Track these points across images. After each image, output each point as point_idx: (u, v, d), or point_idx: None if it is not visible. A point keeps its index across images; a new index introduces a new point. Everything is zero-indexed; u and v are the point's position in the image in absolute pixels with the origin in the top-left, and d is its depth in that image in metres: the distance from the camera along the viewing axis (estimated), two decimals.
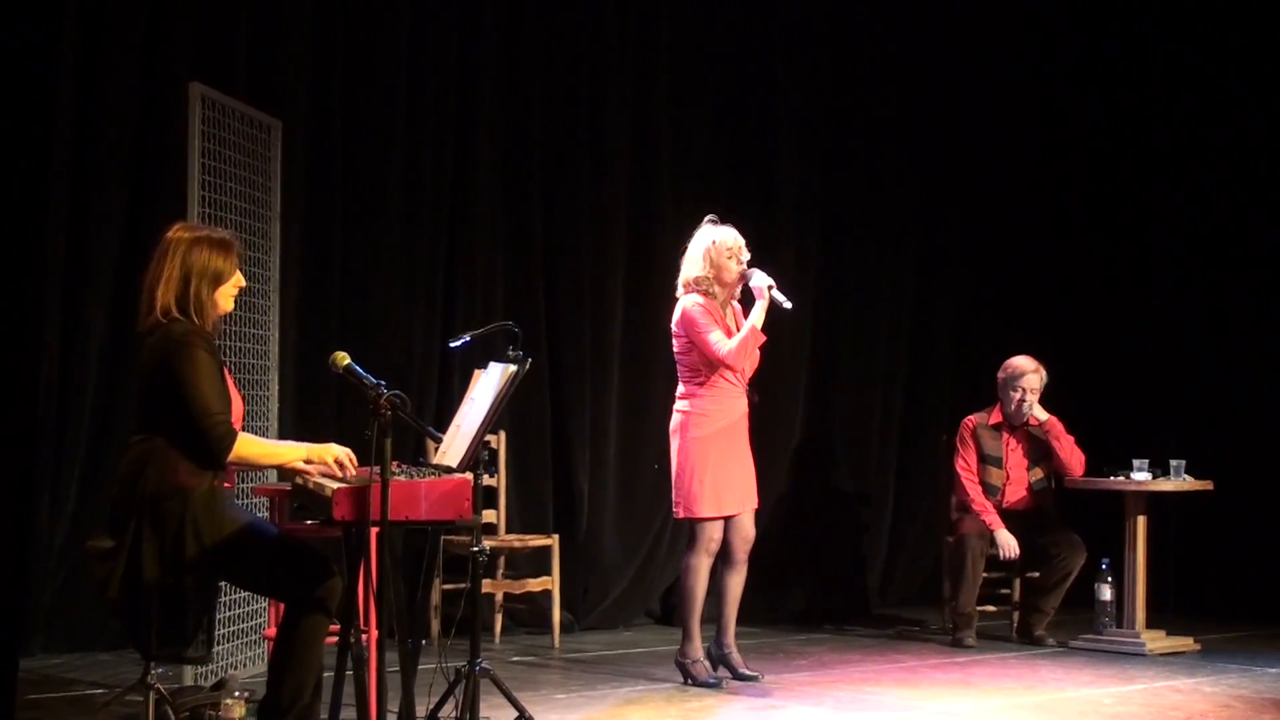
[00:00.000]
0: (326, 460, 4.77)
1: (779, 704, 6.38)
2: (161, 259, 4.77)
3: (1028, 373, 8.16)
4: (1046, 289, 10.23)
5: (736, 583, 6.90)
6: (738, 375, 6.78)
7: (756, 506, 6.92)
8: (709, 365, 6.71)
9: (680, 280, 6.84)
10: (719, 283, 6.75)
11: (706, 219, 6.85)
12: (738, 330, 6.75)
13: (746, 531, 6.85)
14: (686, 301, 6.76)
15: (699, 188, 9.00)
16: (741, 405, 6.83)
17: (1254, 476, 9.01)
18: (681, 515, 6.83)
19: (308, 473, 4.81)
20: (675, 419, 6.81)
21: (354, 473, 4.73)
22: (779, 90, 9.45)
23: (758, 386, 7.10)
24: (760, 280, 6.67)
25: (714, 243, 6.74)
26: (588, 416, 8.65)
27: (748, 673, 6.86)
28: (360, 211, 8.06)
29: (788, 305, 6.67)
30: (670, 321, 6.83)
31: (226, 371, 4.84)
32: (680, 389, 6.83)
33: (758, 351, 6.79)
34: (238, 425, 4.77)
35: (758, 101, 9.41)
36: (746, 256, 6.76)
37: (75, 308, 7.28)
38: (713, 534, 6.74)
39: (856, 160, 9.74)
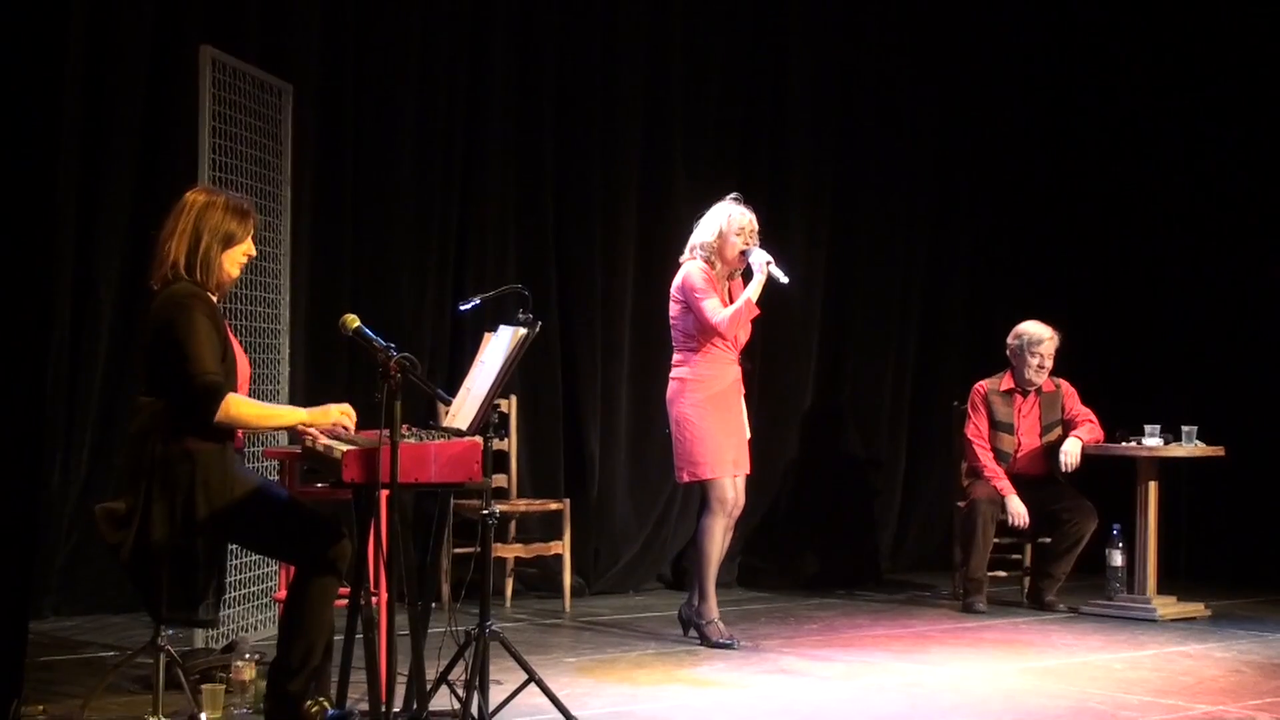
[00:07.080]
0: (327, 422, 4.75)
1: (789, 668, 6.39)
2: (177, 216, 4.74)
3: (1045, 339, 8.16)
4: (1059, 257, 10.19)
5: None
6: (730, 343, 6.85)
7: (748, 472, 6.98)
8: (703, 331, 6.80)
9: (688, 244, 6.91)
10: (721, 255, 6.84)
11: (730, 196, 6.92)
12: (733, 303, 6.82)
13: (736, 496, 6.88)
14: (689, 266, 6.87)
15: (711, 153, 9.01)
16: (734, 371, 6.92)
17: (1266, 443, 9.01)
18: (687, 479, 6.89)
19: (312, 434, 4.80)
20: (671, 386, 6.90)
21: (353, 426, 4.72)
22: (792, 59, 9.41)
23: (751, 355, 7.17)
24: (759, 257, 6.76)
25: (728, 217, 6.84)
26: (599, 380, 8.65)
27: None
28: (371, 175, 8.04)
29: (785, 280, 6.74)
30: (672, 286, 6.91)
31: (233, 336, 4.81)
32: (675, 356, 6.93)
33: (750, 324, 6.88)
34: (244, 390, 4.73)
35: (771, 69, 9.36)
36: (755, 242, 6.82)
37: (86, 272, 7.28)
38: (723, 493, 6.78)
39: (869, 129, 9.70)
